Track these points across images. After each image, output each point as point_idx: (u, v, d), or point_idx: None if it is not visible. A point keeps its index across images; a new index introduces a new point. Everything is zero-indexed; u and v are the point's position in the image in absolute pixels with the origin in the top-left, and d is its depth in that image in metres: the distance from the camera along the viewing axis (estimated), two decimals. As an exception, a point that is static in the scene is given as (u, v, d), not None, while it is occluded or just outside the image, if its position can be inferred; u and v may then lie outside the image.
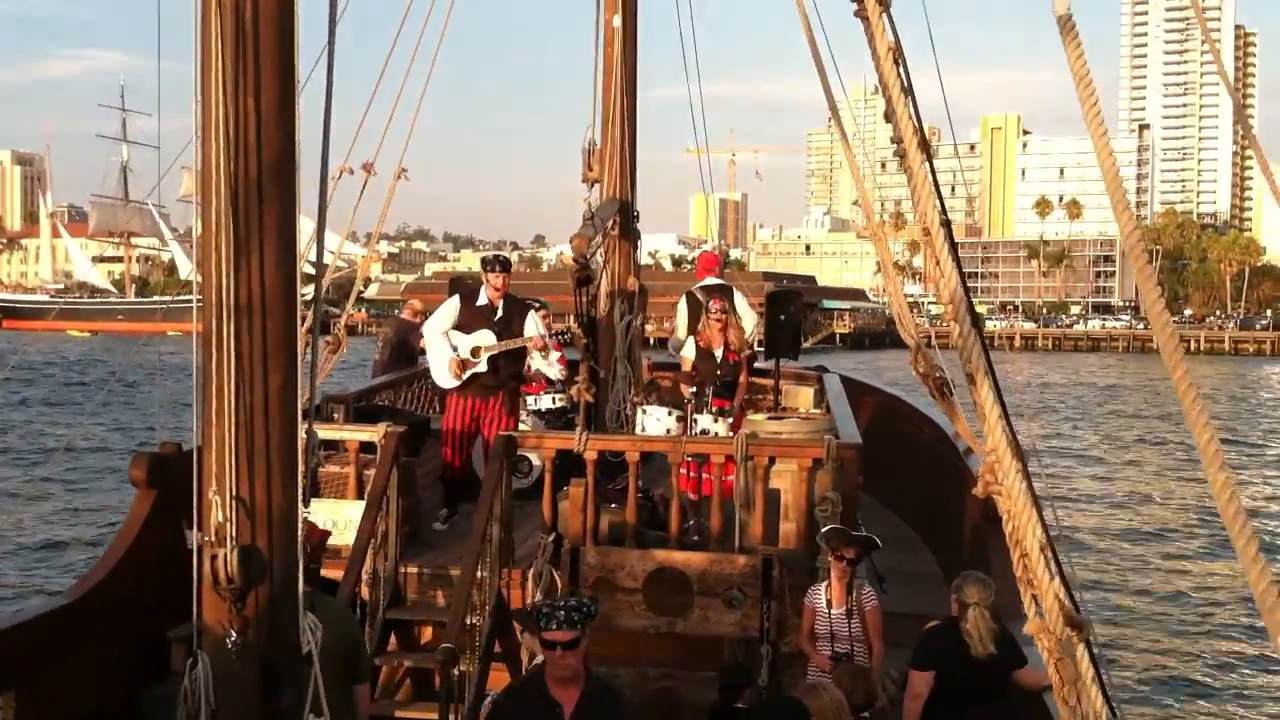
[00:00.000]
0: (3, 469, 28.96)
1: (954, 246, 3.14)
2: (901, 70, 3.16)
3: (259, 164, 4.13)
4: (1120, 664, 15.92)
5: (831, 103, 5.45)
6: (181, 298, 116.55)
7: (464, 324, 9.87)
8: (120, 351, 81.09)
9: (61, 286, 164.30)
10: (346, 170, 10.47)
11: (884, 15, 3.23)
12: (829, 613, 7.70)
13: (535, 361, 10.23)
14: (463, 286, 10.52)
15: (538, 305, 12.38)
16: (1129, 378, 79.26)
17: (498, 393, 9.87)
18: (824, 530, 7.91)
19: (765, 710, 6.91)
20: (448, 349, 9.83)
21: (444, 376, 9.91)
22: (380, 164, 10.87)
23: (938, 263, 3.04)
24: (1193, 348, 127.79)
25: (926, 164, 3.08)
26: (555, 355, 10.19)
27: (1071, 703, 2.88)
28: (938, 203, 3.10)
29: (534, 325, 9.94)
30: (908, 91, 3.14)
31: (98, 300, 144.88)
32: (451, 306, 10.00)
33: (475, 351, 9.74)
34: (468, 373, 9.78)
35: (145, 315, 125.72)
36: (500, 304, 9.90)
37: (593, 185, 11.23)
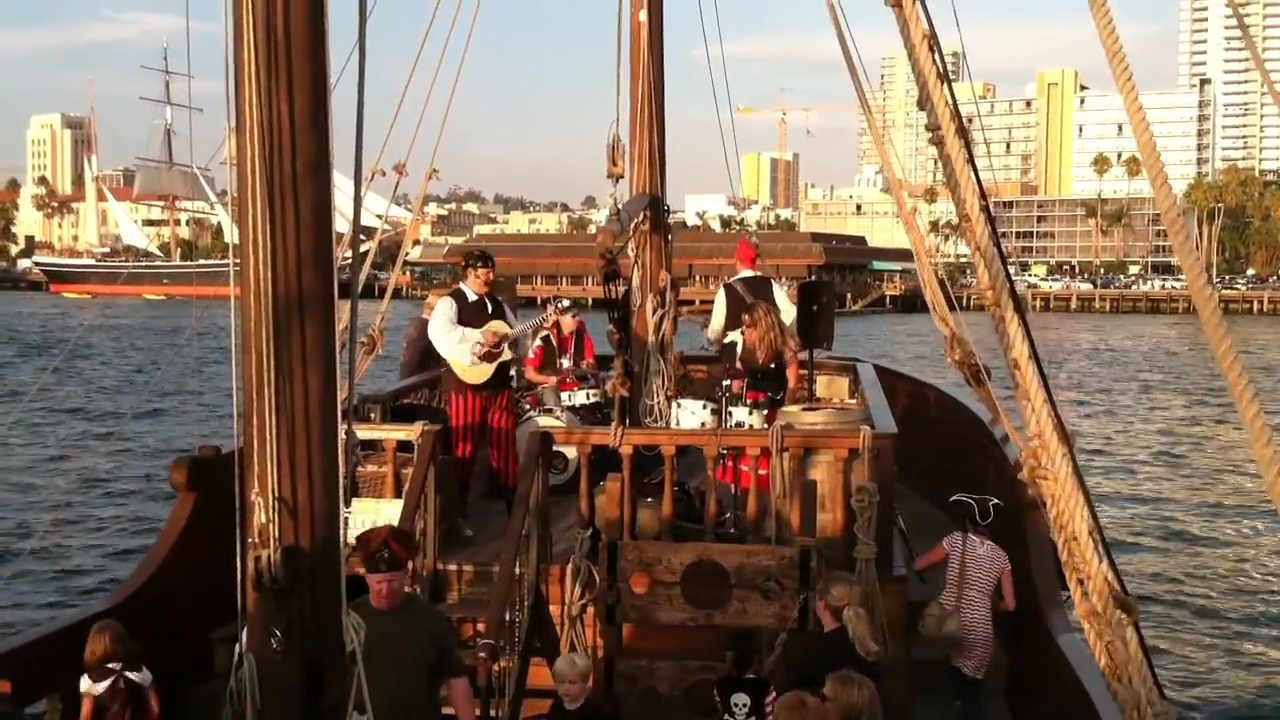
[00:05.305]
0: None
1: (996, 235, 3.13)
2: (937, 58, 3.14)
3: (294, 168, 4.15)
4: (1163, 649, 15.80)
5: (856, 81, 5.43)
6: (217, 261, 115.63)
7: (467, 321, 10.02)
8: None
9: (108, 250, 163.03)
10: (378, 172, 10.51)
11: (917, 4, 3.21)
12: None
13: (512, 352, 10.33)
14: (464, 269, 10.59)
15: (562, 304, 12.61)
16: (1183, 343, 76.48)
17: (502, 390, 10.13)
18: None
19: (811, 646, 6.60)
20: (463, 331, 9.92)
21: (470, 355, 9.94)
22: (411, 164, 10.90)
23: (979, 249, 3.02)
24: (1255, 309, 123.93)
25: (965, 151, 3.07)
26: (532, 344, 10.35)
27: (1121, 686, 2.86)
28: (977, 188, 3.09)
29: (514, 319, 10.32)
30: (944, 78, 3.12)
31: (142, 264, 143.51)
32: (450, 303, 10.13)
33: (496, 341, 9.91)
34: (498, 361, 9.97)
35: (187, 279, 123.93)
36: (488, 299, 10.12)
37: (617, 181, 11.22)
